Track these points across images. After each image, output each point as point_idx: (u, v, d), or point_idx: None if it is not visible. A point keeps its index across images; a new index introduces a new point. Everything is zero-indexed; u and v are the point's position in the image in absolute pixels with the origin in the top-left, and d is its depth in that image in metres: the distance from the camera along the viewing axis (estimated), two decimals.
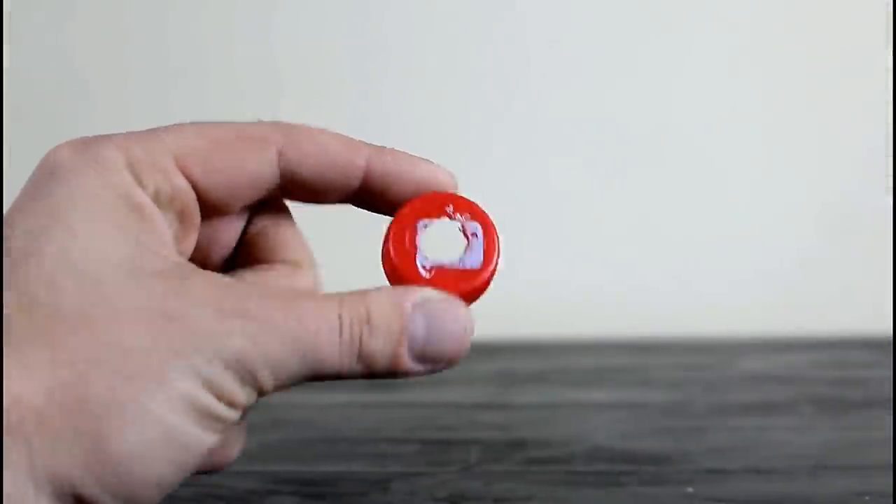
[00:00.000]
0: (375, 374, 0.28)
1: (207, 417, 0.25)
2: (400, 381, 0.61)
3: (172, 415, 0.24)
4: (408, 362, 0.28)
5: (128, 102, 0.73)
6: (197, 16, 0.73)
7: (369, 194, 0.30)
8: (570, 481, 0.40)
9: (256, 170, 0.29)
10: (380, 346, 0.27)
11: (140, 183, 0.27)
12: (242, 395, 0.26)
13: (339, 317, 0.27)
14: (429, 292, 0.28)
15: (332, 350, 0.27)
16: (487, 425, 0.49)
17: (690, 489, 0.39)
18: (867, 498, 0.38)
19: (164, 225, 0.28)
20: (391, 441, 0.46)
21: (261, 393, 0.27)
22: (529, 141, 0.72)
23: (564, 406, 0.53)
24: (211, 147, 0.29)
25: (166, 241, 0.28)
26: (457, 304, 0.28)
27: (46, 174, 0.27)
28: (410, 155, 0.31)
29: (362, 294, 0.27)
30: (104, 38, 0.73)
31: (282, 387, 0.27)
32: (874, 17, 0.70)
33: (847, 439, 0.45)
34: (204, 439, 0.26)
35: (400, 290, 0.28)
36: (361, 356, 0.27)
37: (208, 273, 0.28)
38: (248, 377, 0.26)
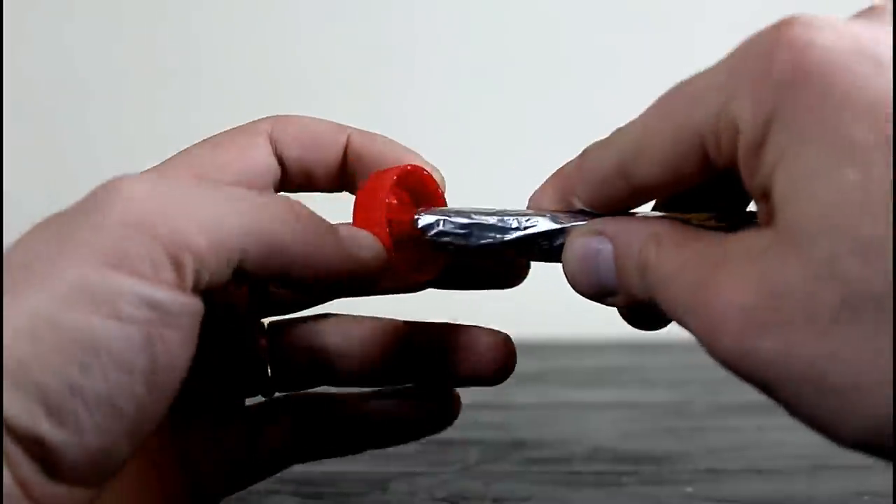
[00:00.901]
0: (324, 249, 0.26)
1: (121, 302, 0.22)
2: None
3: (64, 308, 0.22)
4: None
5: (126, 102, 0.73)
6: (194, 17, 0.73)
7: (349, 174, 0.31)
8: (570, 481, 0.40)
9: (254, 156, 0.30)
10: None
11: None
12: (166, 265, 0.22)
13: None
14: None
15: (282, 209, 0.25)
16: (487, 425, 0.49)
17: (690, 489, 0.39)
18: (866, 498, 0.38)
19: None
20: None
21: (201, 261, 0.23)
22: (529, 141, 0.72)
23: (564, 406, 0.53)
24: (211, 146, 0.29)
25: None
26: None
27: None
28: (396, 143, 0.31)
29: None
30: (102, 39, 0.73)
31: (229, 253, 0.23)
32: None
33: None
34: (120, 332, 0.22)
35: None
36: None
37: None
38: (164, 233, 0.22)
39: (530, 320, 0.68)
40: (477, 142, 0.71)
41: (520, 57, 0.73)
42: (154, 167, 0.29)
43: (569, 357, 0.64)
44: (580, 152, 0.28)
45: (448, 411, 0.33)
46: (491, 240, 0.29)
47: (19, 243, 0.23)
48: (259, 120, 0.30)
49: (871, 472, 0.41)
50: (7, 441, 0.22)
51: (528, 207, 0.30)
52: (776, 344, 0.21)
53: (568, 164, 0.29)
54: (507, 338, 0.32)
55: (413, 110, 0.72)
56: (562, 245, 0.28)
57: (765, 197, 0.23)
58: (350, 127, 0.31)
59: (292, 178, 0.31)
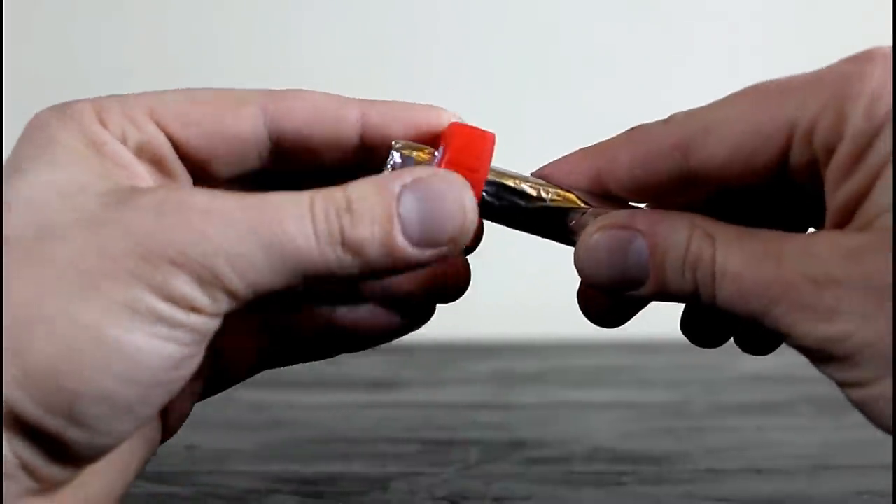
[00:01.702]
0: (373, 265, 0.25)
1: (161, 324, 0.23)
2: (399, 380, 0.61)
3: (108, 323, 0.23)
4: (405, 246, 0.25)
5: None
6: (198, 16, 0.73)
7: (369, 149, 0.29)
8: (570, 481, 0.40)
9: (235, 125, 0.28)
10: (367, 233, 0.25)
11: (106, 127, 0.27)
12: (204, 297, 0.24)
13: (311, 202, 0.25)
14: (421, 170, 0.26)
15: (306, 239, 0.24)
16: (487, 425, 0.49)
17: (690, 489, 0.39)
18: (866, 497, 0.38)
19: (129, 162, 0.27)
20: (391, 441, 0.46)
21: (234, 296, 0.24)
22: (527, 139, 0.72)
23: (564, 406, 0.53)
24: (187, 101, 0.28)
25: (129, 172, 0.26)
26: (453, 179, 0.26)
27: (23, 135, 0.27)
28: (404, 102, 0.29)
29: (342, 185, 0.25)
30: (105, 38, 0.73)
31: (262, 288, 0.24)
32: (876, 16, 0.70)
33: (847, 439, 0.45)
34: (160, 349, 0.23)
35: (387, 174, 0.26)
36: (346, 244, 0.25)
37: (167, 185, 0.27)
38: (206, 276, 0.24)
39: (530, 320, 0.68)
40: None
41: (519, 55, 0.73)
42: (114, 96, 0.28)
43: (569, 357, 0.64)
44: (628, 129, 0.28)
45: (423, 316, 0.31)
46: (508, 203, 0.28)
47: (58, 235, 0.24)
48: (255, 90, 0.29)
49: (871, 472, 0.41)
50: (20, 436, 0.23)
51: (540, 174, 0.29)
52: (875, 329, 0.24)
53: (605, 140, 0.29)
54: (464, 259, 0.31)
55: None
56: (577, 226, 0.28)
57: (853, 200, 0.24)
58: (361, 100, 0.29)
59: (291, 158, 0.29)
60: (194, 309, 0.24)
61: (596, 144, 0.29)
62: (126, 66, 0.73)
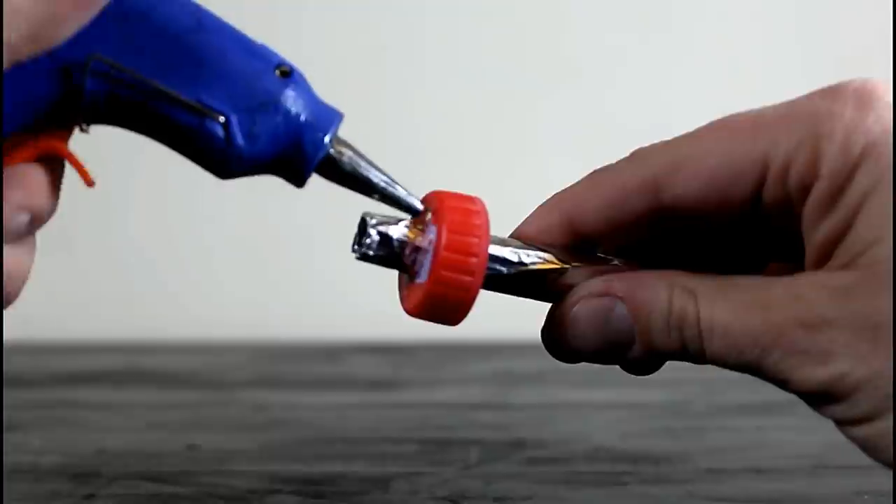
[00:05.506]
0: None
1: None
2: (399, 380, 0.61)
3: None
4: None
5: None
6: None
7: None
8: (571, 481, 0.40)
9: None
10: None
11: None
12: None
13: None
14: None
15: None
16: (487, 425, 0.49)
17: (690, 489, 0.39)
18: (867, 497, 0.38)
19: None
20: (391, 441, 0.46)
21: None
22: (528, 141, 0.72)
23: (564, 406, 0.53)
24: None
25: None
26: None
27: None
28: None
29: None
30: None
31: None
32: (876, 19, 0.70)
33: (847, 439, 0.45)
34: None
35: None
36: None
37: None
38: None
39: (530, 320, 0.68)
40: (478, 141, 0.71)
41: (526, 57, 0.73)
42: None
43: None
44: (590, 172, 0.28)
45: None
46: (493, 272, 0.28)
47: None
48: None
49: (871, 473, 0.41)
50: None
51: (519, 232, 0.29)
52: (872, 367, 0.24)
53: (568, 187, 0.29)
54: None
55: (418, 111, 0.72)
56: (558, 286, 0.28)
57: (832, 238, 0.24)
58: None
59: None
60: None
61: (559, 193, 0.29)
62: None
